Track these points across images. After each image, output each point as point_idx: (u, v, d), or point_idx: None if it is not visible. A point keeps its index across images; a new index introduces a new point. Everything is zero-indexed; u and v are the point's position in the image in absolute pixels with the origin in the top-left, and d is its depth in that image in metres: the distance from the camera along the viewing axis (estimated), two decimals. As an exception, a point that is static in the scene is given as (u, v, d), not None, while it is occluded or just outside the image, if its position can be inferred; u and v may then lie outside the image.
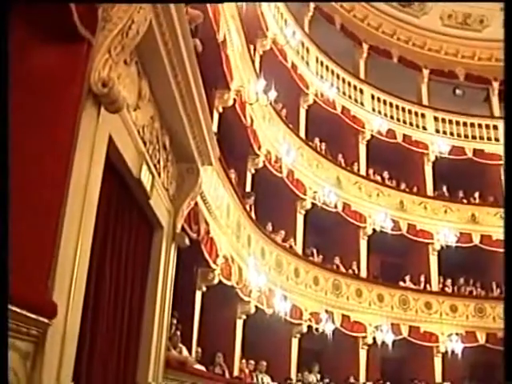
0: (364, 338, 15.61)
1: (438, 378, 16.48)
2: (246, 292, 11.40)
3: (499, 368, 17.53)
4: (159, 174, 5.91)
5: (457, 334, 16.88)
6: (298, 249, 14.83)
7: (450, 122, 20.19)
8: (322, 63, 17.83)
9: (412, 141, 19.20)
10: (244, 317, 11.61)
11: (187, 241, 6.94)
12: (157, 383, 6.15)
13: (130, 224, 5.45)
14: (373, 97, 19.15)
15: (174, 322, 8.57)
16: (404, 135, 19.14)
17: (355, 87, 18.84)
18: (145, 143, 5.33)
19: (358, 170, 17.77)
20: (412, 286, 17.43)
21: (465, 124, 20.28)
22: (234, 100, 11.16)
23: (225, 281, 10.27)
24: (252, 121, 12.55)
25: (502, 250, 18.09)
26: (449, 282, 18.02)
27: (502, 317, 17.49)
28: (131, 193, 5.36)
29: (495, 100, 21.30)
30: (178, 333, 8.63)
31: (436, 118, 20.11)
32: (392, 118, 19.27)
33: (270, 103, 13.64)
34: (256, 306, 11.89)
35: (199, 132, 6.31)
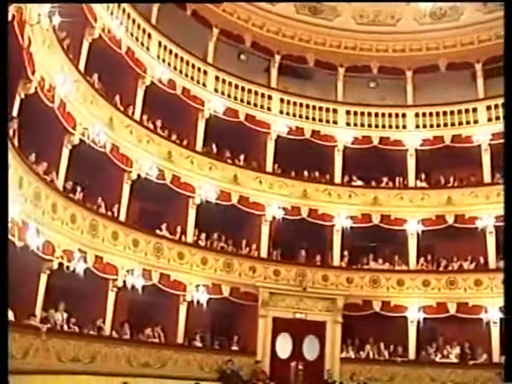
0: (115, 280, 15.68)
1: (182, 324, 17.33)
2: (-4, 222, 10.79)
3: (238, 319, 18.96)
4: None
5: (204, 286, 17.81)
6: (59, 183, 14.34)
7: (230, 83, 20.84)
8: None
9: (190, 95, 19.51)
10: (-9, 248, 11.00)
11: None
12: None
13: None
14: (160, 44, 18.96)
15: None
16: (184, 88, 19.35)
17: (144, 31, 18.48)
18: None
19: (133, 113, 17.58)
20: (168, 235, 17.91)
21: (243, 89, 21.08)
22: (13, 16, 10.35)
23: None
24: (30, 43, 11.75)
25: (257, 213, 19.49)
26: (203, 235, 18.85)
27: (247, 273, 18.84)
28: None
29: (274, 72, 22.44)
30: None
31: (217, 78, 20.60)
32: (175, 68, 19.34)
33: (54, 29, 12.89)
34: (6, 238, 11.34)
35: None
